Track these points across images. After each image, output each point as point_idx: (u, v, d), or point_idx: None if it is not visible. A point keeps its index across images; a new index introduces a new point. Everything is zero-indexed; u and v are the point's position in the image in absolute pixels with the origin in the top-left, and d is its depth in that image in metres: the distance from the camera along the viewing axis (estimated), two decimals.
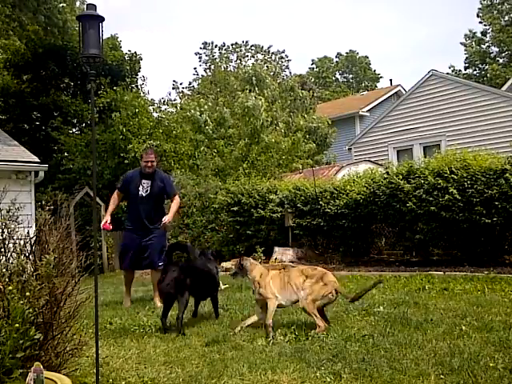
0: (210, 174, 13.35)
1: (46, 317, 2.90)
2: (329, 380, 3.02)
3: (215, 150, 14.48)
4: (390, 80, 28.14)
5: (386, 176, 8.66)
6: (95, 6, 3.12)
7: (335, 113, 22.90)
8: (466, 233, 7.85)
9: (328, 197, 9.36)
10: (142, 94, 19.33)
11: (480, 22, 33.39)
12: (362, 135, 17.02)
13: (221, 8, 62.38)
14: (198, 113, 15.05)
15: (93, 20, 3.10)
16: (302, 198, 9.73)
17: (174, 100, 24.37)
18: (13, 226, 3.09)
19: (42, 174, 10.27)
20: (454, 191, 7.61)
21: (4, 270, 2.90)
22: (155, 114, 18.31)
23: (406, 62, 67.39)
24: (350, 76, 45.79)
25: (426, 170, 8.14)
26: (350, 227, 9.08)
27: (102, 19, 3.11)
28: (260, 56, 31.18)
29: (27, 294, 2.74)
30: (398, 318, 4.33)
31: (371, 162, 13.29)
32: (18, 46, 18.07)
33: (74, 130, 18.57)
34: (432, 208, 7.80)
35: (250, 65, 22.90)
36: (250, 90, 16.48)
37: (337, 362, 3.29)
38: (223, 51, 32.27)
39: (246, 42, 32.20)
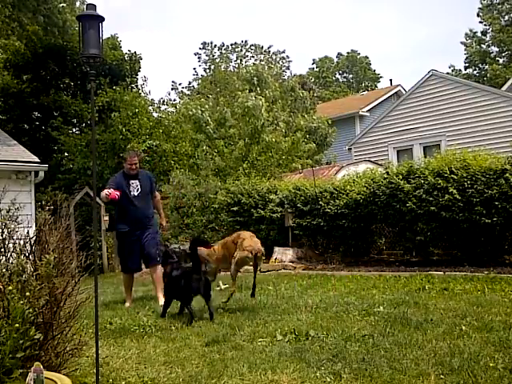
0: (210, 173, 13.34)
1: (46, 317, 2.90)
2: (329, 380, 3.02)
3: (215, 150, 14.47)
4: (390, 80, 28.17)
5: (385, 176, 8.66)
6: (95, 6, 3.12)
7: (335, 113, 22.90)
8: (465, 233, 7.85)
9: (328, 197, 9.36)
10: (142, 94, 19.33)
11: (480, 22, 33.45)
12: (362, 135, 17.02)
13: (221, 8, 62.44)
14: (200, 112, 15.05)
15: (93, 20, 3.10)
16: (302, 198, 9.73)
17: (174, 100, 24.40)
18: (13, 226, 3.09)
19: (42, 174, 10.27)
20: (454, 191, 7.61)
21: (4, 270, 2.90)
22: (155, 114, 18.32)
23: (405, 61, 67.45)
24: (350, 76, 45.80)
25: (426, 170, 8.14)
26: (349, 227, 9.08)
27: (102, 19, 3.11)
28: (261, 56, 31.20)
29: (27, 294, 2.74)
30: (398, 318, 4.33)
31: (371, 162, 13.28)
32: (17, 46, 18.05)
33: (74, 130, 18.55)
34: (432, 208, 7.80)
35: (251, 65, 22.89)
36: (250, 90, 16.48)
37: (337, 362, 3.29)
38: (223, 51, 32.29)
39: (245, 41, 32.22)
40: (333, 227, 9.32)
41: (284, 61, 32.38)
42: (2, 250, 3.03)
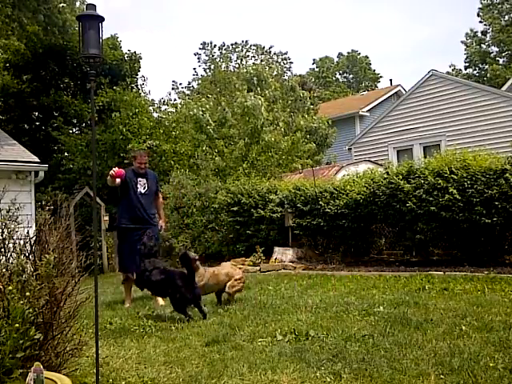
0: (209, 173, 13.34)
1: (46, 317, 2.90)
2: (329, 380, 3.02)
3: (216, 150, 14.47)
4: (390, 80, 28.18)
5: (385, 176, 8.66)
6: (95, 6, 3.12)
7: (335, 113, 22.91)
8: (465, 233, 7.85)
9: (328, 197, 9.36)
10: (142, 94, 19.34)
11: (480, 22, 33.46)
12: (362, 135, 17.02)
13: (221, 8, 62.46)
14: (201, 112, 15.05)
15: (93, 20, 3.10)
16: (302, 198, 9.73)
17: (174, 100, 24.36)
18: (13, 226, 3.09)
19: (42, 174, 10.27)
20: (454, 191, 7.61)
21: (4, 270, 2.90)
22: (155, 114, 18.32)
23: (405, 61, 67.48)
24: (351, 76, 45.82)
25: (426, 170, 8.14)
26: (349, 227, 9.08)
27: (101, 19, 3.11)
28: (262, 57, 31.17)
29: (27, 294, 2.74)
30: (398, 318, 4.33)
31: (371, 162, 13.28)
32: (17, 45, 18.06)
33: (74, 130, 18.56)
34: (432, 208, 7.80)
35: (251, 65, 22.87)
36: (250, 90, 16.47)
37: (337, 362, 3.29)
38: (223, 51, 32.27)
39: (246, 41, 32.19)
40: (333, 227, 9.32)
41: (285, 62, 32.37)
42: (2, 250, 3.03)
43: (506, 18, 32.25)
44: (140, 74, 20.07)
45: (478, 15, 33.28)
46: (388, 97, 23.32)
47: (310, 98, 20.60)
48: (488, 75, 32.04)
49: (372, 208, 8.63)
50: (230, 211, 10.83)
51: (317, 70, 45.23)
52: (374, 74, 45.35)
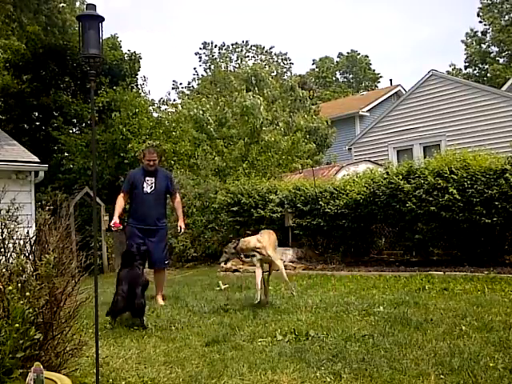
0: (209, 173, 13.33)
1: (46, 317, 2.90)
2: (329, 380, 3.02)
3: (216, 150, 14.47)
4: (390, 80, 28.16)
5: (385, 176, 8.65)
6: (95, 6, 3.12)
7: (335, 113, 22.90)
8: (465, 233, 7.85)
9: (328, 197, 9.35)
10: (142, 94, 19.32)
11: (480, 22, 33.46)
12: (362, 135, 17.02)
13: (221, 8, 62.43)
14: (201, 111, 15.04)
15: (93, 20, 3.10)
16: (302, 198, 9.72)
17: (174, 100, 24.37)
18: (12, 226, 3.09)
19: (42, 174, 10.26)
20: (454, 191, 7.60)
21: (4, 270, 2.89)
22: (155, 114, 18.31)
23: (405, 61, 67.42)
24: (350, 76, 45.79)
25: (426, 170, 8.13)
26: (349, 227, 9.07)
27: (101, 19, 3.11)
28: (262, 57, 31.21)
29: (27, 294, 2.73)
30: (398, 318, 4.33)
31: (371, 162, 13.28)
32: (17, 45, 18.04)
33: (74, 130, 18.54)
34: (432, 208, 7.80)
35: (251, 65, 22.88)
36: (249, 90, 16.46)
37: (337, 361, 3.29)
38: (223, 51, 32.30)
39: (246, 41, 32.23)
40: (333, 227, 9.31)
41: (285, 62, 32.40)
42: (2, 250, 3.03)
43: (506, 17, 32.25)
44: (140, 74, 20.06)
45: (478, 15, 33.29)
46: (388, 97, 23.31)
47: (310, 99, 20.59)
48: (488, 75, 32.05)
49: (372, 208, 8.63)
50: (230, 211, 10.83)
51: (317, 70, 45.19)
52: (374, 74, 45.32)
